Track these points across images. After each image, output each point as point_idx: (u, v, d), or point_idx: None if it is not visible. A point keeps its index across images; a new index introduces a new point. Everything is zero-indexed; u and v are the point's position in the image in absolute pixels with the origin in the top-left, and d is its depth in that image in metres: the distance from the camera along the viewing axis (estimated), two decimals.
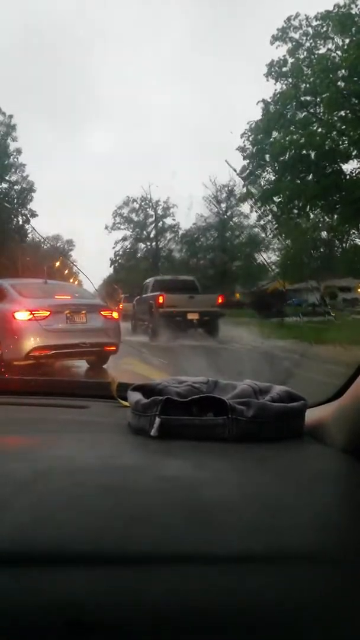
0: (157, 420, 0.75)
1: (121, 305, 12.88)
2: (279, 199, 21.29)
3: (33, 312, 5.77)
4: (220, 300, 10.69)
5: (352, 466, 0.69)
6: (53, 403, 1.07)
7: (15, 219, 35.68)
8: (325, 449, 0.76)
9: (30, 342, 5.65)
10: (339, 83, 18.44)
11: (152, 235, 40.37)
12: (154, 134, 57.16)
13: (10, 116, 36.09)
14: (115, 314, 6.65)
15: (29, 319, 5.71)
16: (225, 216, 36.86)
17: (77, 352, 5.98)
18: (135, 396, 0.83)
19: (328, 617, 0.43)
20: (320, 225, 23.50)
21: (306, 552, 0.49)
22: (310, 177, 20.46)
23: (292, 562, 0.48)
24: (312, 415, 0.83)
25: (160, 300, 9.47)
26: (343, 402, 0.78)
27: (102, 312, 6.37)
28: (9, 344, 5.67)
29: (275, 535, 0.50)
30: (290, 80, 20.51)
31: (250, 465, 0.67)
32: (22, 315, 5.68)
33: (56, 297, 6.24)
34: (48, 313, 5.86)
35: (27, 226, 36.68)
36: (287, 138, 19.63)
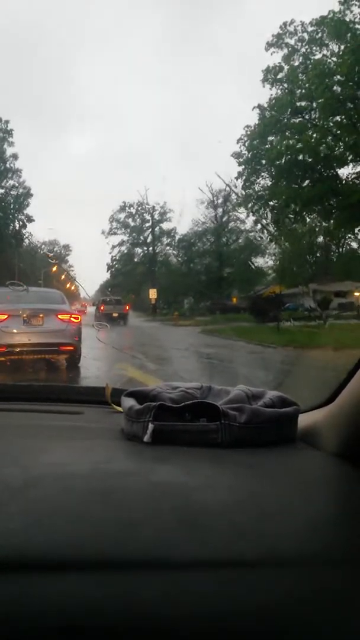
0: (150, 426, 0.75)
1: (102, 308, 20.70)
2: (275, 204, 21.30)
3: None
4: (127, 308, 22.25)
5: (345, 470, 0.69)
6: (47, 409, 1.07)
7: (12, 224, 35.62)
8: (318, 454, 0.77)
9: None
10: (334, 88, 18.51)
11: (148, 240, 40.34)
12: (141, 137, 57.31)
13: (7, 122, 36.11)
14: (75, 318, 7.34)
15: None
16: (222, 221, 36.87)
17: (32, 351, 6.80)
18: (128, 402, 0.82)
19: (319, 621, 0.43)
20: (316, 230, 23.57)
21: (297, 557, 0.49)
22: (307, 182, 20.49)
23: (284, 567, 0.48)
24: (304, 420, 0.84)
25: (101, 308, 19.99)
26: (335, 407, 0.79)
27: (59, 316, 7.17)
28: None
29: (267, 540, 0.50)
30: (285, 85, 20.59)
31: (243, 471, 0.67)
32: None
33: (22, 303, 7.08)
34: (5, 316, 6.89)
35: (24, 231, 36.66)
36: (284, 143, 19.67)
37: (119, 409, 0.91)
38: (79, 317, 7.71)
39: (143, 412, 0.78)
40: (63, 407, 1.09)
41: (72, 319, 7.32)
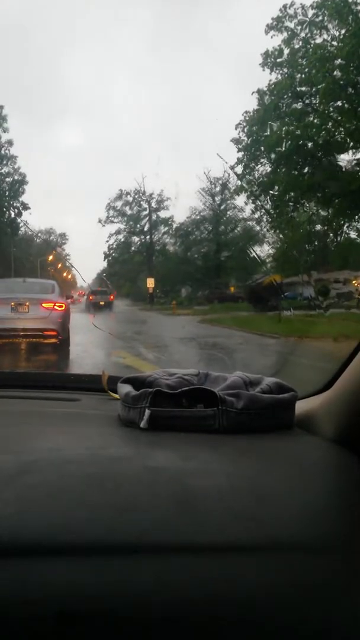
0: (147, 412, 0.75)
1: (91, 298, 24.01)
2: (275, 191, 20.93)
3: None
4: (112, 298, 25.19)
5: (341, 456, 0.70)
6: (45, 396, 1.07)
7: (7, 212, 35.04)
8: (315, 440, 0.77)
9: None
10: (335, 73, 18.05)
11: (146, 228, 39.86)
12: (133, 127, 56.86)
13: (1, 107, 35.37)
14: (59, 306, 8.30)
15: None
16: (220, 209, 36.44)
17: (18, 335, 7.87)
18: (125, 388, 0.82)
19: (314, 606, 0.44)
20: (314, 218, 23.23)
21: (293, 542, 0.49)
22: (307, 169, 20.11)
23: (279, 552, 0.48)
24: (301, 406, 0.84)
25: (90, 297, 23.04)
26: (332, 393, 0.79)
27: (43, 304, 8.13)
28: None
29: (262, 524, 0.50)
30: (285, 70, 20.10)
31: (240, 456, 0.67)
32: None
33: (12, 293, 8.27)
34: None
35: (19, 219, 36.12)
36: (284, 129, 19.23)
37: (116, 395, 0.90)
38: (64, 305, 8.56)
39: (140, 398, 0.77)
40: (60, 394, 1.09)
41: (55, 307, 8.23)
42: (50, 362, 7.72)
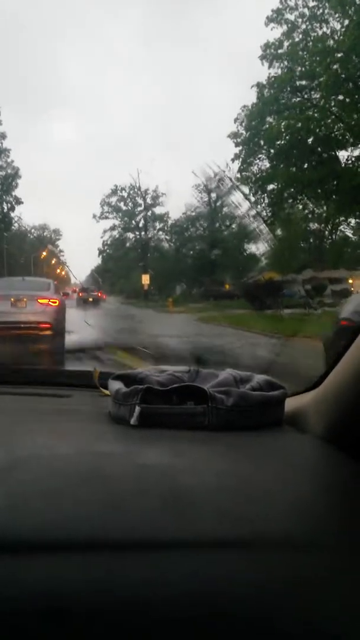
0: (137, 409, 0.75)
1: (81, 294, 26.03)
2: (273, 187, 20.32)
3: None
4: (99, 294, 28.22)
5: (330, 454, 0.70)
6: (35, 392, 1.07)
7: None
8: (304, 437, 0.77)
9: None
10: (335, 67, 17.46)
11: (141, 224, 39.10)
12: (127, 123, 56.37)
13: None
14: (53, 301, 9.37)
15: None
16: (215, 206, 35.75)
17: (17, 327, 8.71)
18: (115, 385, 0.82)
19: (302, 604, 0.44)
20: (311, 215, 22.66)
21: (282, 538, 0.49)
22: (306, 164, 19.52)
23: (268, 548, 0.48)
24: (291, 403, 0.84)
25: (80, 294, 25.72)
26: (321, 391, 0.79)
27: (39, 300, 9.16)
28: None
29: (251, 521, 0.50)
30: (285, 63, 19.47)
31: (229, 453, 0.67)
32: None
33: (12, 290, 9.43)
34: None
35: (12, 214, 35.23)
36: (283, 123, 18.61)
37: (107, 392, 0.90)
38: (57, 301, 9.60)
39: (130, 395, 0.77)
40: (51, 390, 1.08)
41: (50, 302, 9.32)
42: (45, 351, 8.31)
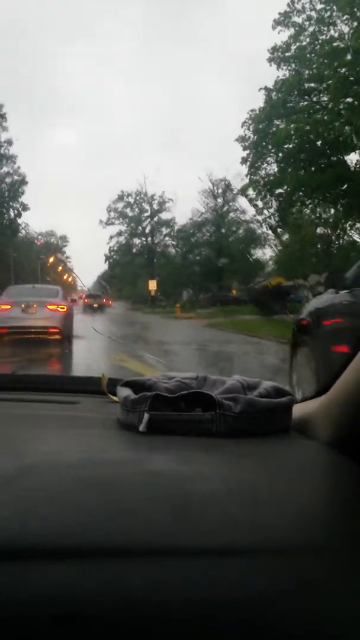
0: (146, 415, 0.76)
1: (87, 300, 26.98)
2: (282, 191, 19.97)
3: (1, 305, 10.06)
4: (104, 300, 29.12)
5: (337, 460, 0.70)
6: (44, 399, 1.07)
7: (6, 214, 33.99)
8: (312, 444, 0.77)
9: None
10: (343, 69, 17.14)
11: (147, 230, 38.84)
12: (126, 125, 56.48)
13: (1, 105, 34.44)
14: (61, 307, 10.11)
15: None
16: (222, 211, 35.42)
17: (27, 331, 9.48)
18: (124, 392, 0.83)
19: (309, 606, 0.45)
20: (319, 220, 22.27)
21: (289, 544, 0.49)
22: (314, 167, 19.16)
23: (275, 555, 0.48)
24: (299, 410, 0.84)
25: (86, 300, 26.53)
26: (329, 397, 0.79)
27: (48, 306, 9.88)
28: None
29: (259, 528, 0.51)
30: (293, 66, 19.18)
31: (237, 460, 0.67)
32: None
33: (23, 296, 10.23)
34: (9, 306, 10.02)
35: (19, 221, 35.08)
36: (291, 126, 18.27)
37: (115, 398, 0.91)
38: (65, 307, 10.31)
39: (139, 402, 0.78)
40: (59, 397, 1.09)
41: (58, 308, 10.05)
42: (55, 354, 8.61)
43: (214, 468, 0.63)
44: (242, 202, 31.29)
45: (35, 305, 9.79)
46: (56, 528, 0.47)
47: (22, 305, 9.79)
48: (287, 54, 19.57)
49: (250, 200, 20.63)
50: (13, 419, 0.91)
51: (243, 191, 20.56)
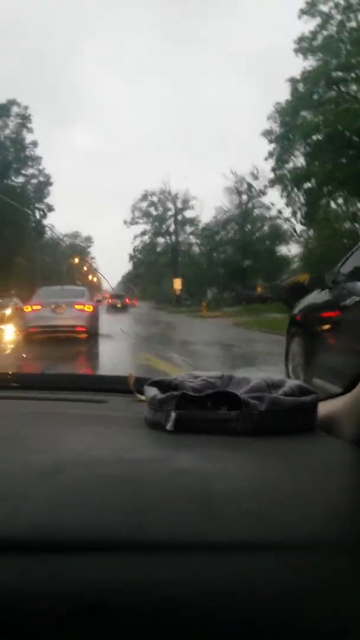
0: (173, 414, 0.77)
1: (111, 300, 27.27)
2: (310, 185, 19.31)
3: (32, 306, 11.14)
4: (127, 301, 29.35)
5: None
6: (74, 397, 1.10)
7: (32, 215, 34.12)
8: (337, 442, 0.77)
9: (29, 323, 10.70)
10: None
11: (171, 229, 38.47)
12: (146, 126, 56.53)
13: (26, 107, 34.61)
14: (87, 307, 10.79)
15: (31, 310, 11.01)
16: (246, 208, 34.77)
17: (56, 330, 10.06)
18: (151, 391, 0.85)
19: (338, 605, 0.46)
20: (347, 213, 21.47)
21: (314, 541, 0.50)
22: (344, 159, 18.44)
23: (300, 551, 0.49)
24: (324, 408, 0.85)
25: (110, 301, 26.74)
26: (354, 395, 0.79)
27: (75, 306, 10.54)
28: (23, 323, 10.98)
29: (284, 525, 0.52)
30: (320, 55, 18.50)
31: (262, 458, 0.68)
32: (28, 308, 11.25)
33: (52, 297, 10.99)
34: (40, 307, 10.84)
35: (44, 222, 35.18)
36: (320, 117, 17.62)
37: (142, 398, 0.93)
38: (92, 307, 11.04)
39: (166, 401, 0.79)
40: (87, 396, 1.11)
41: (85, 308, 10.71)
42: (83, 353, 8.97)
43: (239, 466, 0.64)
44: (266, 198, 30.64)
45: (63, 306, 10.44)
46: (89, 522, 0.50)
47: (52, 306, 10.48)
48: (313, 44, 18.90)
49: (283, 189, 19.88)
50: (45, 417, 0.94)
51: (273, 184, 20.05)
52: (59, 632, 0.43)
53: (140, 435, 0.78)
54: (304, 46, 18.94)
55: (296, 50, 19.02)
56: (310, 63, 18.86)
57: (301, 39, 18.92)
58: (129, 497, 0.54)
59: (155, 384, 0.87)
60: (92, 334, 10.21)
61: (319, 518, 0.52)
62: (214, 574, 0.45)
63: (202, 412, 0.78)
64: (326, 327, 4.04)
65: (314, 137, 18.17)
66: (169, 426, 0.76)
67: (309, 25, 18.86)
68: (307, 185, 19.10)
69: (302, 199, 19.67)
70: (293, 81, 19.38)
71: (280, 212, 19.49)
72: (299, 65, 18.20)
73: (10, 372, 1.28)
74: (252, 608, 0.44)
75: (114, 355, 8.25)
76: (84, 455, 0.66)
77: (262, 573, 0.46)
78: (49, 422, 0.88)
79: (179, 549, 0.48)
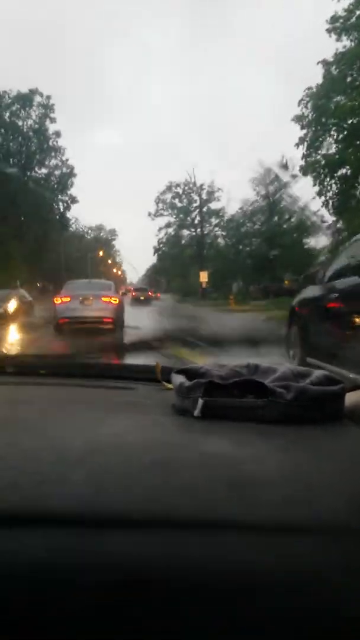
0: (200, 401, 0.79)
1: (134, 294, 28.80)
2: (342, 173, 18.31)
3: (62, 298, 11.93)
4: (150, 294, 30.86)
5: None
6: (104, 385, 1.14)
7: (56, 207, 33.76)
8: None
9: (60, 314, 11.47)
10: None
11: (196, 221, 37.66)
12: (176, 122, 55.82)
13: (48, 97, 34.16)
14: (114, 300, 11.65)
15: (60, 302, 11.78)
16: (274, 198, 33.67)
17: (85, 321, 10.74)
18: (179, 379, 0.87)
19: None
20: None
21: (341, 524, 0.51)
22: None
23: (327, 533, 0.50)
24: (351, 398, 0.85)
25: (133, 293, 29.84)
26: None
27: (102, 299, 11.42)
28: (55, 315, 11.67)
29: (311, 508, 0.53)
30: (356, 34, 17.43)
31: (289, 446, 0.70)
32: (58, 300, 11.98)
33: (81, 290, 12.02)
34: (69, 299, 11.78)
35: (68, 215, 34.79)
36: (357, 102, 16.58)
37: (169, 386, 0.96)
38: (118, 299, 11.84)
39: (193, 388, 0.81)
40: (116, 383, 1.14)
41: (111, 300, 11.53)
42: (108, 342, 9.29)
43: (266, 452, 0.66)
44: (295, 189, 29.57)
45: (91, 298, 11.32)
46: (125, 502, 0.53)
47: (80, 298, 11.35)
48: (348, 23, 17.83)
49: (315, 178, 18.86)
50: (78, 403, 0.98)
51: (305, 171, 19.11)
52: (102, 603, 0.45)
53: (169, 421, 0.80)
54: (337, 26, 18.00)
55: (329, 31, 18.12)
56: (343, 44, 17.97)
57: (334, 19, 17.99)
58: (160, 478, 0.57)
59: (182, 372, 0.89)
60: (119, 325, 10.86)
61: (345, 503, 0.54)
62: (245, 553, 0.47)
63: (229, 399, 0.80)
64: (316, 316, 5.02)
65: (349, 122, 17.29)
66: (196, 412, 0.78)
67: (343, 3, 17.94)
68: (341, 172, 18.22)
69: (334, 188, 18.82)
70: (325, 64, 18.50)
71: (307, 204, 18.70)
72: (329, 50, 17.35)
73: (39, 359, 1.35)
74: (283, 586, 0.46)
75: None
76: (116, 440, 0.69)
77: (293, 554, 0.47)
78: (82, 408, 0.92)
79: (210, 527, 0.50)
